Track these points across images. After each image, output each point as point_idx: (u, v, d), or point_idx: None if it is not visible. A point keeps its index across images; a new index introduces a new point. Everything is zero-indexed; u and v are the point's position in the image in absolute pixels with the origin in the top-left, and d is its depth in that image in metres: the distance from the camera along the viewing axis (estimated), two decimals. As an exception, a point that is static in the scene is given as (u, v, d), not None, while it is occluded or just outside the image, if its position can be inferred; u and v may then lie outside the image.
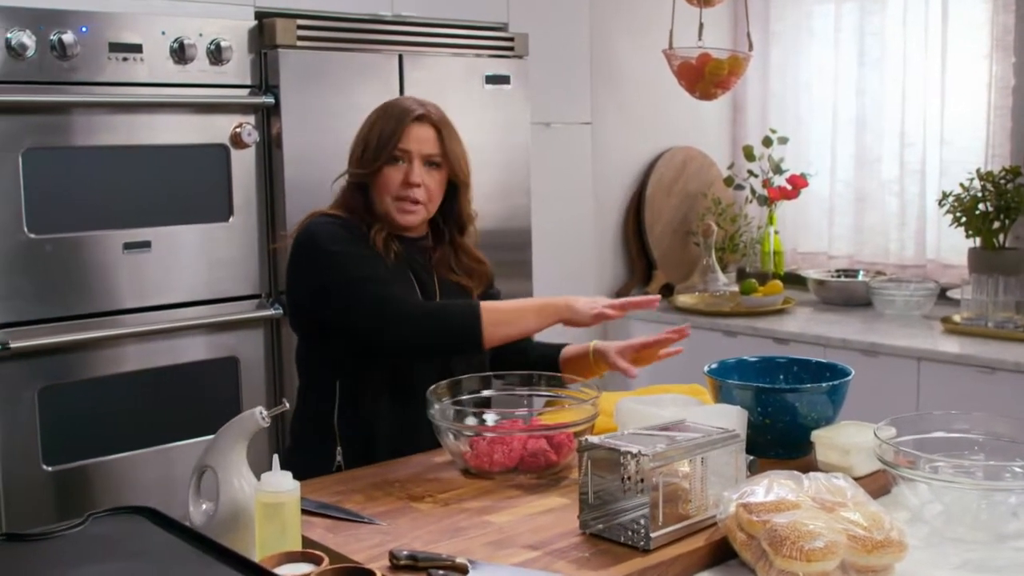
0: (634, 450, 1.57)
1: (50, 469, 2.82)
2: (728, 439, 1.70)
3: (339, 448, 2.14)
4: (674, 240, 4.49)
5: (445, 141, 2.17)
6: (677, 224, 4.50)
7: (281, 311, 3.15)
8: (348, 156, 2.23)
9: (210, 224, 3.07)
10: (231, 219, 3.10)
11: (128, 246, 2.91)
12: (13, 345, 2.71)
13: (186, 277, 3.03)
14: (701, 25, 3.76)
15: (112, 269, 2.89)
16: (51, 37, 2.73)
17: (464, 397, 2.06)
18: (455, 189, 2.23)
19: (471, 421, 1.96)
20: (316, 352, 2.21)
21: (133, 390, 2.96)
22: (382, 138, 2.14)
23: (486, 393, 2.11)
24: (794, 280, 4.36)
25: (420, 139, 2.15)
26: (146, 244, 2.94)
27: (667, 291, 4.40)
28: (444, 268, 2.25)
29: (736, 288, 4.21)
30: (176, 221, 3.00)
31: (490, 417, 2.01)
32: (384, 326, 2.03)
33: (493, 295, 2.36)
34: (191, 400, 3.07)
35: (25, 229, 2.74)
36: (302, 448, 2.20)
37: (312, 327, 2.19)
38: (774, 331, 3.78)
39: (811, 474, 1.65)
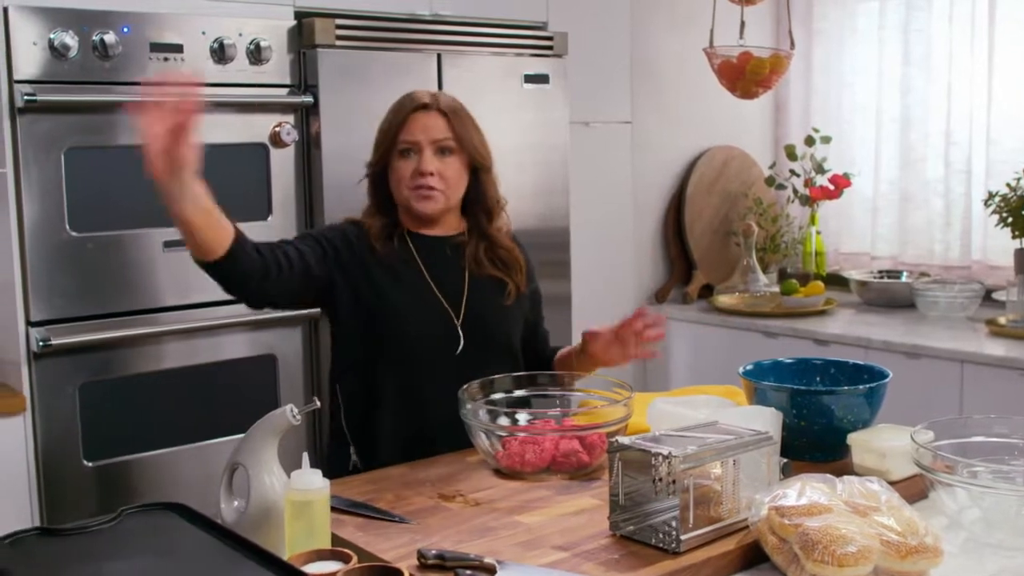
0: (665, 451, 1.56)
1: (91, 464, 2.85)
2: (761, 441, 1.68)
3: (352, 448, 2.15)
4: (714, 240, 4.45)
5: (455, 127, 2.16)
6: (717, 224, 4.47)
7: (318, 310, 3.16)
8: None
9: (249, 222, 3.07)
10: (270, 218, 3.12)
11: (168, 244, 2.93)
12: (55, 342, 2.74)
13: (225, 275, 3.05)
14: (743, 23, 3.74)
15: (152, 267, 2.92)
16: (93, 37, 2.77)
17: (496, 396, 2.06)
18: (477, 175, 2.22)
19: (504, 421, 1.96)
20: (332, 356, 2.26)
21: (172, 387, 2.99)
22: (389, 131, 2.16)
23: (518, 393, 2.10)
24: (836, 281, 4.31)
25: (427, 127, 2.14)
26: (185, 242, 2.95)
27: (707, 291, 4.37)
28: (476, 263, 2.23)
29: (777, 289, 4.17)
30: (216, 220, 3.02)
31: (522, 417, 2.01)
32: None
33: (537, 292, 2.35)
34: (229, 397, 3.10)
35: (67, 227, 2.78)
36: (329, 448, 2.23)
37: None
38: (815, 332, 3.74)
39: (844, 477, 1.63)
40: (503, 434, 1.93)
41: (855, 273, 4.27)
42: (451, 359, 2.10)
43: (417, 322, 2.11)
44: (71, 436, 2.83)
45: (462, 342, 2.14)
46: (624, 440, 1.62)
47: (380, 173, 2.21)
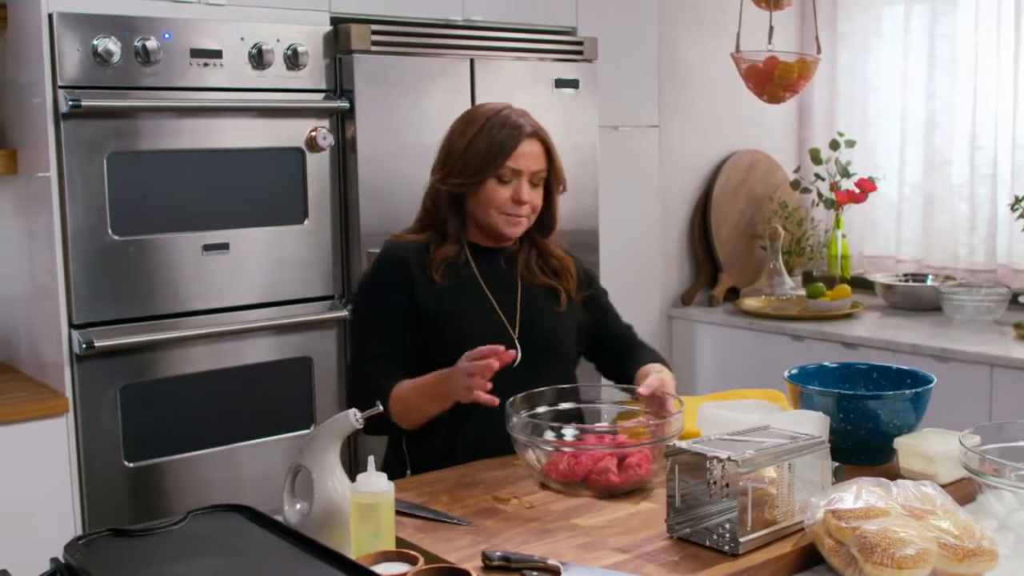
0: (723, 455, 1.58)
1: (131, 465, 2.89)
2: (815, 445, 1.70)
3: (408, 459, 2.17)
4: (739, 243, 4.48)
5: (552, 156, 2.17)
6: (743, 227, 4.49)
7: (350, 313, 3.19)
8: (439, 162, 2.21)
9: (285, 226, 3.12)
10: (306, 221, 3.15)
11: (207, 248, 2.97)
12: (98, 344, 2.77)
13: (261, 278, 3.08)
14: (771, 28, 3.76)
15: (191, 270, 2.95)
16: (135, 43, 2.80)
17: (541, 410, 2.04)
18: (549, 194, 2.23)
19: (549, 435, 1.92)
20: None
21: (210, 389, 3.02)
22: (491, 152, 2.11)
23: (564, 406, 2.07)
24: (860, 284, 4.33)
25: (529, 156, 2.13)
26: (224, 246, 2.99)
27: (732, 294, 4.39)
28: (529, 273, 2.24)
29: (802, 292, 4.19)
30: (253, 223, 3.06)
31: (568, 431, 1.97)
32: None
33: (597, 295, 2.35)
34: (266, 400, 3.13)
35: (109, 231, 2.81)
36: (385, 462, 2.22)
37: None
38: (842, 335, 3.75)
39: (899, 481, 1.65)
40: (548, 448, 1.90)
41: (880, 276, 4.28)
42: (508, 368, 2.05)
43: (477, 333, 2.08)
44: (112, 437, 2.86)
45: (519, 354, 2.12)
46: (682, 444, 1.65)
47: (458, 192, 2.17)
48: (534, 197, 2.16)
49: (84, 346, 2.76)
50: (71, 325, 2.79)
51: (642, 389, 2.02)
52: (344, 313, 3.19)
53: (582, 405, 2.12)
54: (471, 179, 2.13)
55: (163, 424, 2.96)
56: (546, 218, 2.25)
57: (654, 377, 2.06)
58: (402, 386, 2.07)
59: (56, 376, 2.83)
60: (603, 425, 2.08)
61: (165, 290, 2.92)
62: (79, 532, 2.81)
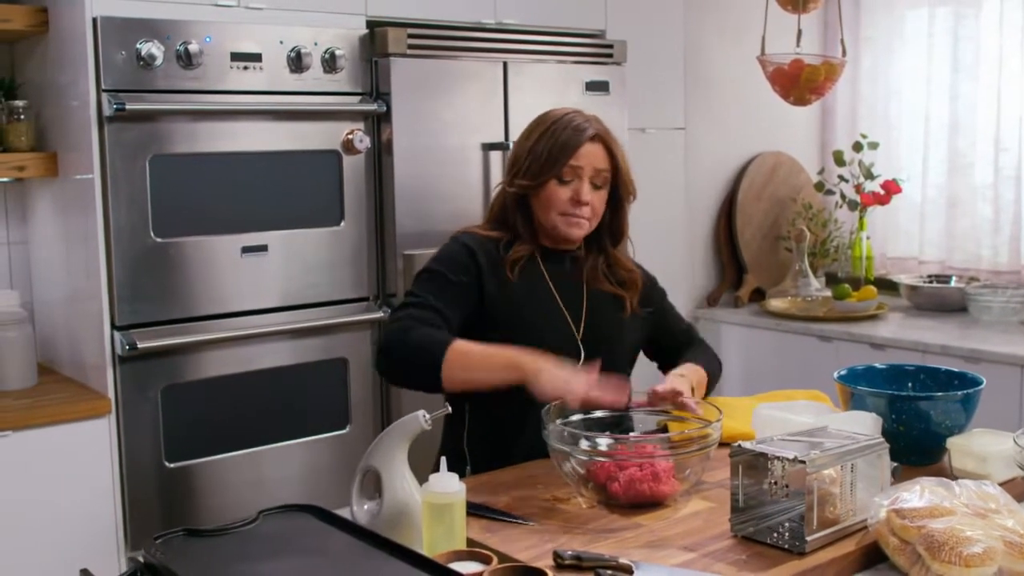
0: (789, 456, 1.60)
1: (171, 466, 2.91)
2: (876, 446, 1.73)
3: (468, 468, 2.15)
4: (764, 245, 4.50)
5: (617, 160, 2.18)
6: (767, 229, 4.51)
7: (390, 314, 3.21)
8: (508, 166, 2.23)
9: (323, 228, 3.14)
10: (342, 223, 3.17)
11: (246, 249, 2.99)
12: (140, 345, 2.80)
13: (298, 280, 3.10)
14: (799, 31, 3.79)
15: (231, 272, 2.98)
16: (177, 47, 2.82)
17: (574, 419, 1.96)
18: (617, 201, 2.24)
19: (584, 444, 1.85)
20: None
21: (248, 390, 3.04)
22: (552, 153, 2.13)
23: (599, 414, 2.02)
24: (884, 285, 4.35)
25: (590, 155, 2.14)
26: (263, 248, 3.02)
27: (758, 295, 4.41)
28: (595, 279, 2.25)
29: (828, 293, 4.21)
30: (291, 225, 3.08)
31: (603, 441, 1.88)
32: (381, 351, 2.05)
33: (659, 303, 2.36)
34: (303, 400, 3.15)
35: (152, 233, 2.83)
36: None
37: None
38: (870, 336, 3.78)
39: (961, 481, 1.67)
40: (585, 458, 1.83)
41: (904, 277, 4.31)
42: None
43: (546, 337, 2.09)
44: (153, 438, 2.88)
45: (582, 355, 2.14)
46: (746, 445, 1.67)
47: (524, 193, 2.18)
48: (595, 199, 2.16)
49: (127, 347, 2.78)
50: (114, 326, 2.81)
51: (653, 393, 2.03)
52: (379, 315, 3.21)
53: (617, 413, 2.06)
54: (534, 180, 2.14)
55: (202, 425, 2.98)
56: (615, 227, 2.26)
57: (669, 379, 2.09)
58: (466, 343, 2.00)
59: (98, 377, 2.85)
60: (639, 435, 2.00)
61: (205, 292, 2.94)
62: (121, 534, 2.84)
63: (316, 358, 3.16)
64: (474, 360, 1.98)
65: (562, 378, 1.90)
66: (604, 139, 2.17)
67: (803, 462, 1.59)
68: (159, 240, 2.85)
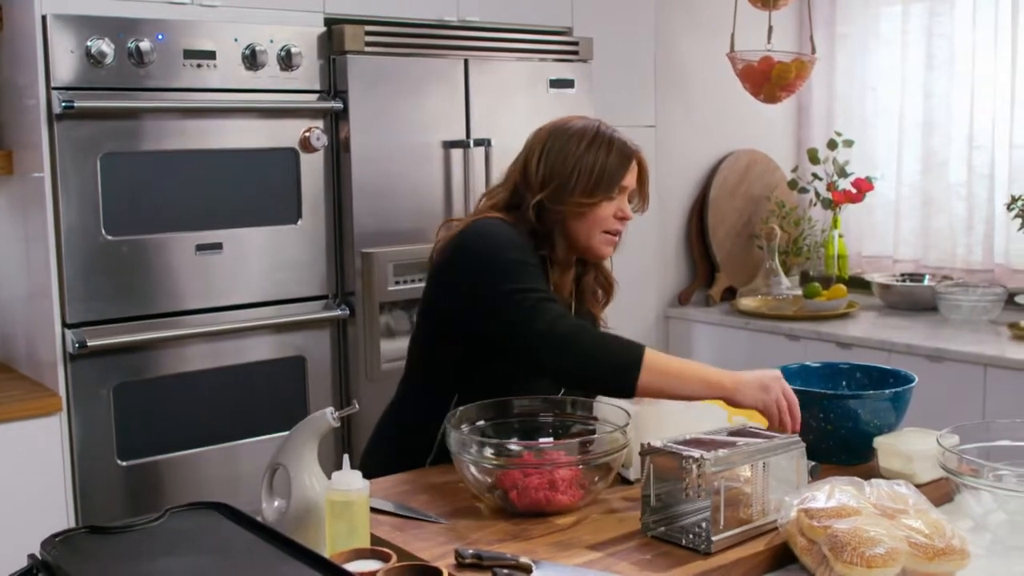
0: (696, 455, 1.59)
1: (124, 464, 2.91)
2: (790, 444, 1.71)
3: (432, 457, 2.07)
4: (737, 243, 4.48)
5: (645, 174, 2.15)
6: (740, 227, 4.50)
7: (348, 312, 3.21)
8: (540, 180, 2.07)
9: (279, 227, 3.14)
10: (299, 222, 3.17)
11: (200, 247, 2.99)
12: (91, 343, 2.79)
13: (255, 278, 3.10)
14: (770, 28, 3.77)
15: (185, 270, 2.97)
16: (129, 45, 2.82)
17: (480, 423, 1.92)
18: None
19: (488, 451, 1.81)
20: (438, 356, 2.12)
21: (204, 388, 3.04)
22: (608, 173, 2.05)
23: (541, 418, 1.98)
24: (858, 284, 4.33)
25: (632, 172, 2.10)
26: (218, 246, 3.01)
27: (730, 294, 4.40)
28: (587, 293, 2.23)
29: (799, 292, 4.19)
30: (247, 224, 3.07)
31: (515, 447, 1.84)
32: (550, 347, 1.90)
33: None
34: (259, 399, 3.15)
35: (103, 231, 2.83)
36: (393, 448, 2.15)
37: (448, 329, 2.08)
38: (837, 335, 3.76)
39: (872, 480, 1.66)
40: (489, 465, 1.77)
41: (877, 276, 4.29)
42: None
43: None
44: (105, 436, 2.88)
45: None
46: (656, 443, 1.66)
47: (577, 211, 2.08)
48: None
49: (77, 345, 2.78)
50: (64, 324, 2.81)
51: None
52: (338, 313, 3.21)
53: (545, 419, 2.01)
54: (589, 198, 2.05)
55: (157, 423, 2.98)
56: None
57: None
58: (654, 351, 1.92)
59: (50, 375, 2.85)
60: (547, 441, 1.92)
61: (158, 290, 2.94)
62: (73, 530, 2.83)
63: (273, 356, 3.16)
64: (671, 373, 1.91)
65: (762, 400, 1.89)
66: (639, 157, 2.13)
67: (708, 460, 1.57)
68: (111, 238, 2.84)
